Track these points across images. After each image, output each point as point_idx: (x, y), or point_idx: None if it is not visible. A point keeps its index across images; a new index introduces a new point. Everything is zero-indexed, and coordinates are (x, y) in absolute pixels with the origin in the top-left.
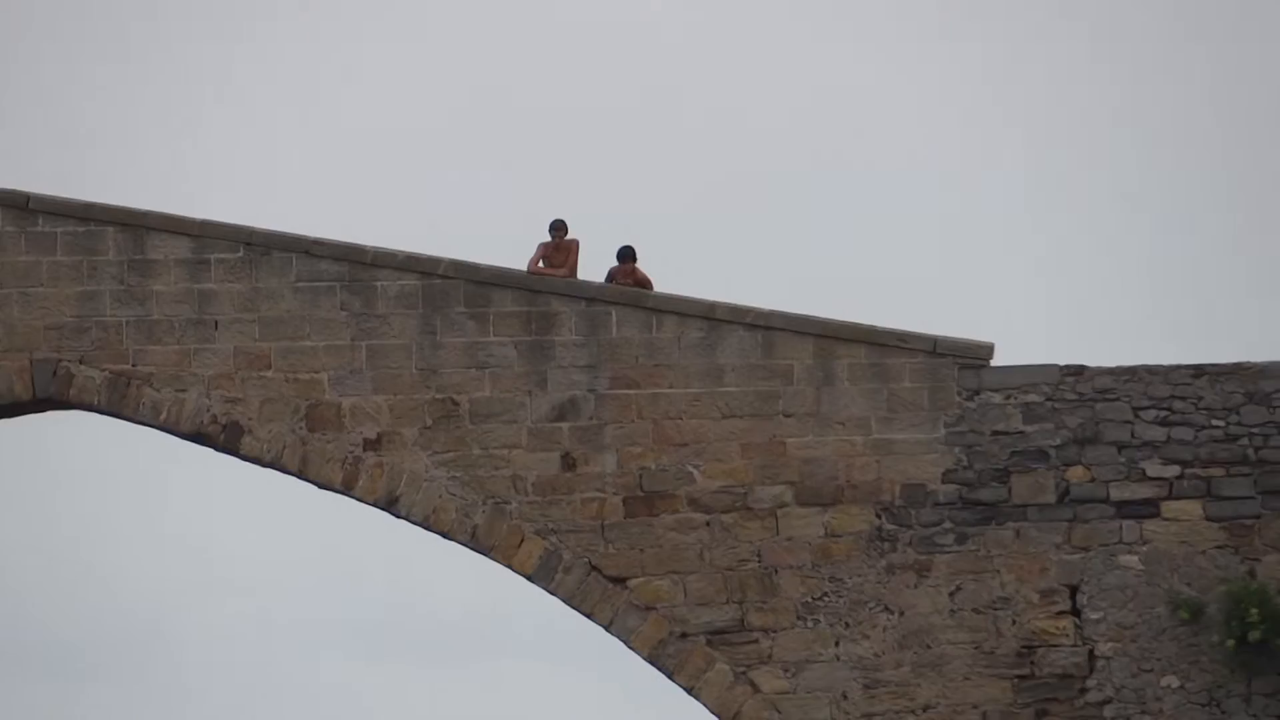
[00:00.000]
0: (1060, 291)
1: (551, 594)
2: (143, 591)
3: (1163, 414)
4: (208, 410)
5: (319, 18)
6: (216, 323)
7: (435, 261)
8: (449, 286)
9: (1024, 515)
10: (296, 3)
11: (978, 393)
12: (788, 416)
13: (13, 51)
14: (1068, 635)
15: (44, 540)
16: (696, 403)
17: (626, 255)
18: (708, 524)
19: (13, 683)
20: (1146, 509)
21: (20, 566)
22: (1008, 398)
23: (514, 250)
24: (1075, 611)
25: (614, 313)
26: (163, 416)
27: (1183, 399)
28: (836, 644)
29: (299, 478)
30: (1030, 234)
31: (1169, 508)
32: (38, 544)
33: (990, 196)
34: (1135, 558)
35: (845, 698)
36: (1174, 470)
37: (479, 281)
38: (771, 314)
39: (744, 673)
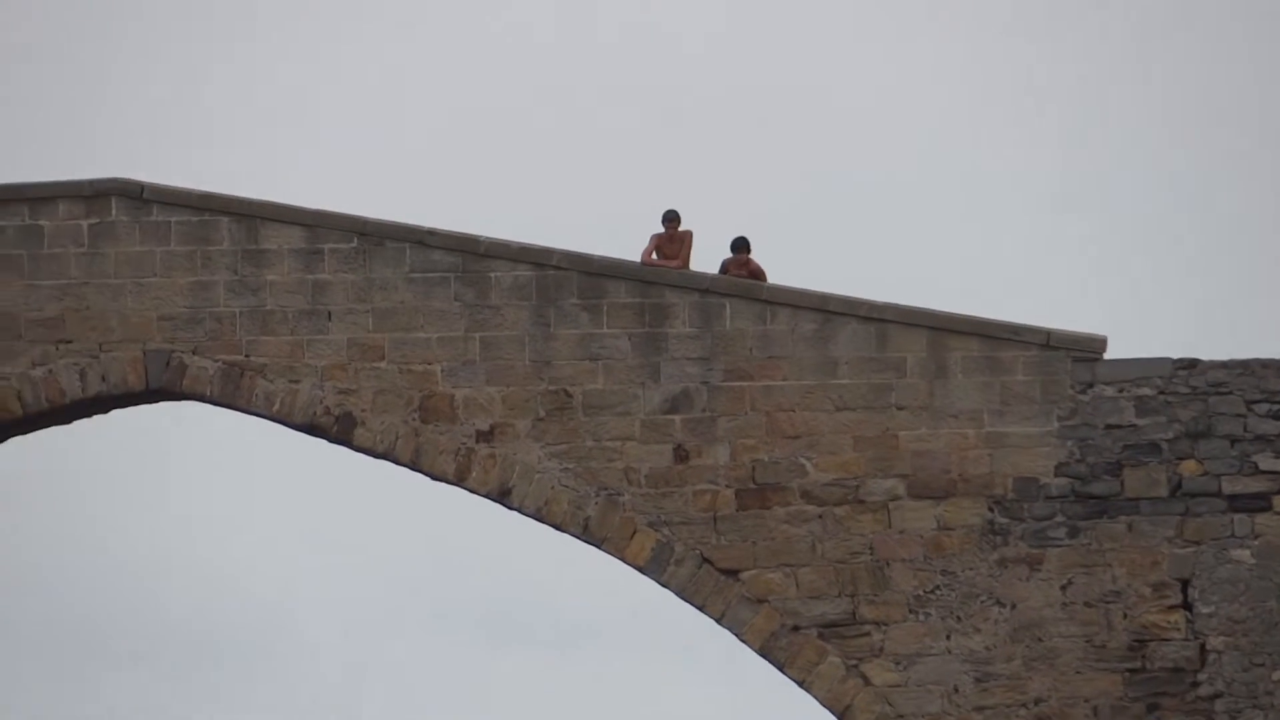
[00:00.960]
0: (1174, 284)
1: (664, 586)
2: (257, 582)
3: (1276, 408)
4: (321, 401)
5: (429, 6)
6: (330, 313)
7: (549, 253)
8: (562, 278)
9: (1136, 509)
10: None
11: (1091, 386)
12: (900, 409)
13: (128, 41)
14: (1179, 629)
15: (157, 531)
16: (809, 395)
17: (740, 246)
18: (820, 516)
19: (130, 674)
20: (1258, 503)
21: (133, 557)
22: (1120, 391)
23: (627, 241)
24: (1187, 605)
25: (728, 304)
26: (276, 407)
27: None
28: (948, 637)
29: (411, 469)
30: (1145, 225)
31: None
32: (150, 535)
33: (1103, 189)
34: (1247, 551)
35: (957, 691)
36: None
37: (592, 273)
38: (885, 306)
39: (856, 665)
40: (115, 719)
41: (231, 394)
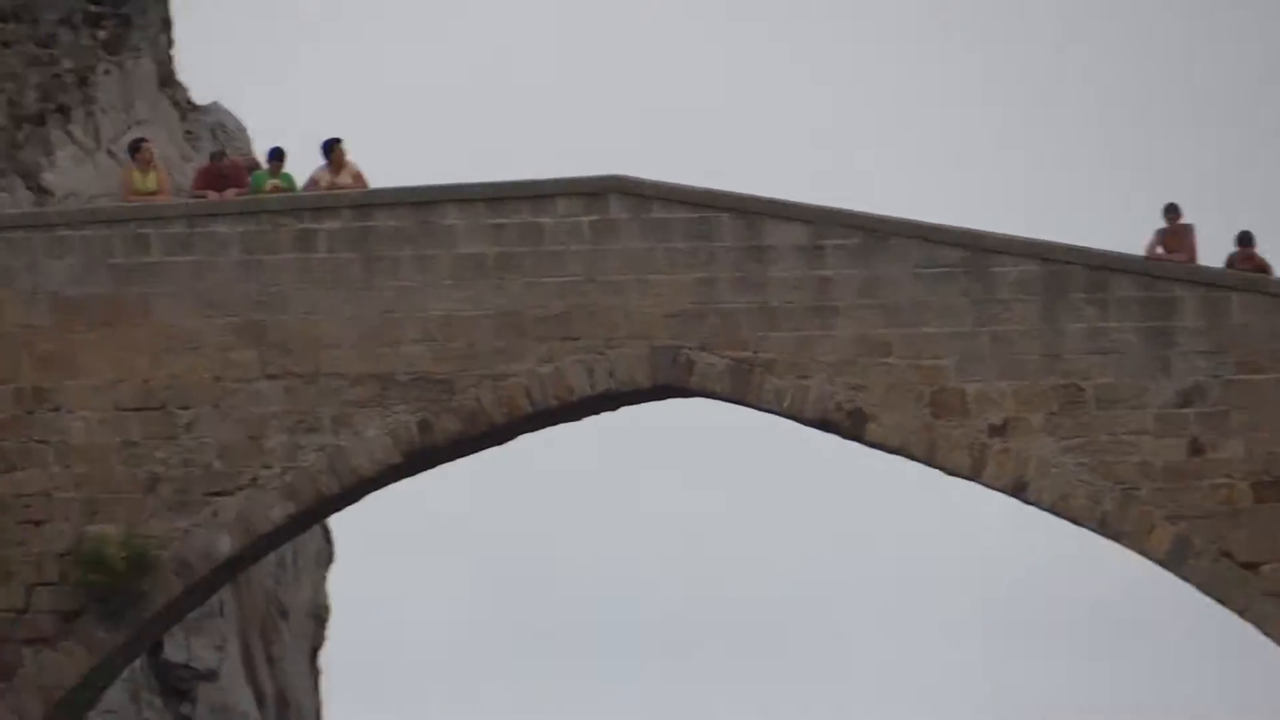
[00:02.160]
0: None
1: (1184, 580)
2: (779, 578)
3: None
4: (832, 397)
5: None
6: (836, 309)
7: (1053, 247)
8: (1068, 272)
9: None
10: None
11: None
12: None
13: (629, 41)
14: None
15: (666, 527)
16: None
17: (1245, 240)
18: None
19: (630, 666)
20: None
21: (646, 552)
22: None
23: (1131, 235)
24: None
25: (1234, 298)
26: (786, 404)
27: None
28: None
29: (926, 464)
30: None
31: None
32: (660, 530)
33: None
34: None
35: None
36: None
37: (1097, 266)
38: None
39: None
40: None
41: (741, 390)
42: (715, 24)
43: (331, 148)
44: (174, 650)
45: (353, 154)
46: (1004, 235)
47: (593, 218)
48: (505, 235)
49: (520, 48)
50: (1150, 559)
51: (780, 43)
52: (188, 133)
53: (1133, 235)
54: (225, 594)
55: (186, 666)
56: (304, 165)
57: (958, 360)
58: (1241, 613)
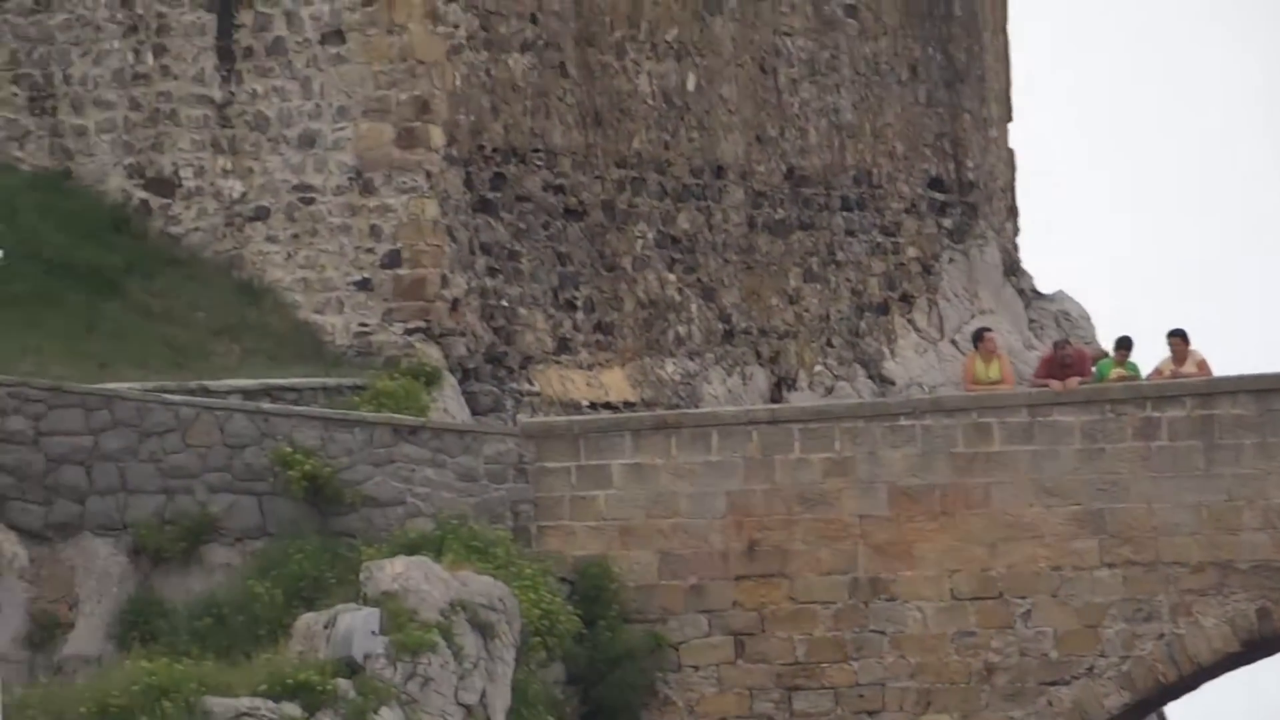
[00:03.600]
0: None
1: None
2: None
3: None
4: None
5: None
6: None
7: None
8: None
9: None
10: None
11: None
12: None
13: None
14: None
15: None
16: None
17: None
18: None
19: None
20: None
21: None
22: None
23: None
24: None
25: None
26: None
27: None
28: None
29: None
30: None
31: None
32: None
33: None
34: None
35: None
36: None
37: None
38: None
39: None
40: None
41: None
42: None
43: (1175, 337)
44: None
45: (1196, 343)
46: None
47: None
48: None
49: None
50: None
51: None
52: (1031, 321)
53: None
54: None
55: None
56: (1152, 354)
57: None
58: None
